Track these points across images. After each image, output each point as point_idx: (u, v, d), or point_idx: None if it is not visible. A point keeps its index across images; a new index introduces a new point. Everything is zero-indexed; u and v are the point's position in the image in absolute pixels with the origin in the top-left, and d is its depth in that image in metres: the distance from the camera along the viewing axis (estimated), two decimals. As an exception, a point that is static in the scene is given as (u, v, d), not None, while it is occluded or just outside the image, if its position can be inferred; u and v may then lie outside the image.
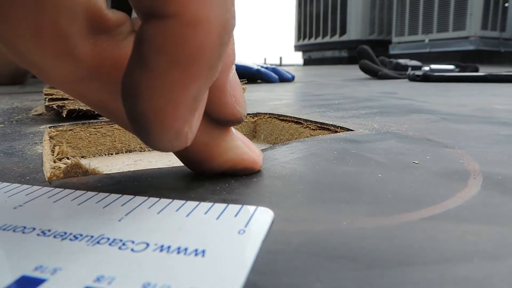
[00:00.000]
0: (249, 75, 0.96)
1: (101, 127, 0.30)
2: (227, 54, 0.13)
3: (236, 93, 0.14)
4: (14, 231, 0.10)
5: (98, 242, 0.09)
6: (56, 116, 0.34)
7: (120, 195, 0.13)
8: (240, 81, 0.15)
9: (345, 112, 0.37)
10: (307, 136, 0.30)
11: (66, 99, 0.32)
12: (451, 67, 1.19)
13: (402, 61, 1.30)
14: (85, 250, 0.09)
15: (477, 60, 2.86)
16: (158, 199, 0.12)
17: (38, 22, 0.09)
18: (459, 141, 0.22)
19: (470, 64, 1.32)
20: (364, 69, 1.17)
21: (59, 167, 0.17)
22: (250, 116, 0.36)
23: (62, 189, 0.13)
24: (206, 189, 0.14)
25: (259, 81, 1.00)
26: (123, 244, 0.09)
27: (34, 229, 0.10)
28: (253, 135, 0.36)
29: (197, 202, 0.12)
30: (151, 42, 0.09)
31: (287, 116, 0.33)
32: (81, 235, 0.10)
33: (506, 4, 3.67)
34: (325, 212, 0.12)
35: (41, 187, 0.13)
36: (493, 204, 0.13)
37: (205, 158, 0.14)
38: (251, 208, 0.12)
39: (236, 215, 0.11)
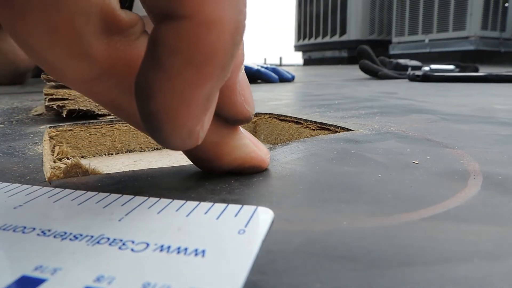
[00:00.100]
0: (249, 75, 0.95)
1: (101, 127, 0.30)
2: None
3: (245, 93, 0.14)
4: (14, 231, 0.10)
5: (98, 242, 0.09)
6: (56, 116, 0.34)
7: (120, 195, 0.13)
8: None
9: (345, 112, 0.37)
10: (307, 136, 0.30)
11: (66, 99, 0.32)
12: (451, 67, 1.19)
13: (402, 61, 1.30)
14: (85, 250, 0.09)
15: (477, 60, 2.86)
16: (158, 199, 0.12)
17: (54, 22, 0.10)
18: (459, 141, 0.22)
19: (470, 64, 1.32)
20: (364, 69, 1.17)
21: (59, 167, 0.17)
22: (250, 116, 0.36)
23: (62, 189, 0.13)
24: (206, 189, 0.14)
25: (259, 81, 1.00)
26: (123, 244, 0.09)
27: (34, 229, 0.10)
28: (253, 135, 0.36)
29: (197, 202, 0.12)
30: (165, 43, 0.09)
31: (287, 116, 0.33)
32: (81, 235, 0.10)
33: (506, 4, 3.67)
34: (325, 212, 0.12)
35: (41, 187, 0.13)
36: (493, 204, 0.13)
37: (214, 157, 0.14)
38: (251, 208, 0.12)
39: (236, 215, 0.11)
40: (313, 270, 0.09)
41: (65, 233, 0.10)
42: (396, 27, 4.21)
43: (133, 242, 0.09)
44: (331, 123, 0.29)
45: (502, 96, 0.54)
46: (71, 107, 0.32)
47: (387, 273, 0.08)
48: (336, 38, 5.32)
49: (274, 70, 1.04)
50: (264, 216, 0.11)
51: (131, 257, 0.09)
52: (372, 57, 1.22)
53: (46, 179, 0.15)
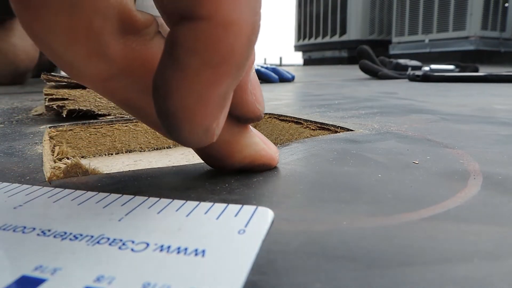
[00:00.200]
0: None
1: (101, 127, 0.30)
2: None
3: (256, 92, 0.14)
4: (14, 231, 0.10)
5: (98, 242, 0.09)
6: (56, 116, 0.34)
7: (120, 195, 0.13)
8: None
9: (345, 112, 0.37)
10: (307, 136, 0.30)
11: (66, 99, 0.32)
12: (451, 67, 1.19)
13: (402, 61, 1.30)
14: (85, 250, 0.09)
15: (477, 60, 2.86)
16: (158, 199, 0.12)
17: (73, 22, 0.10)
18: (459, 141, 0.22)
19: (470, 64, 1.32)
20: (364, 69, 1.16)
21: (59, 167, 0.17)
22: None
23: (62, 189, 0.13)
24: (206, 189, 0.14)
25: (259, 81, 1.00)
26: (123, 244, 0.09)
27: (34, 229, 0.10)
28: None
29: (197, 202, 0.12)
30: (183, 43, 0.10)
31: (287, 116, 0.33)
32: (81, 235, 0.10)
33: (506, 4, 3.67)
34: (325, 212, 0.12)
35: (41, 187, 0.13)
36: (493, 204, 0.13)
37: (225, 155, 0.15)
38: (251, 208, 0.12)
39: (236, 215, 0.11)
40: (313, 270, 0.09)
41: (65, 233, 0.10)
42: (396, 27, 4.21)
43: (133, 242, 0.09)
44: (331, 123, 0.29)
45: (502, 96, 0.54)
46: (71, 107, 0.32)
47: (387, 273, 0.08)
48: (336, 38, 5.32)
49: (274, 70, 1.04)
50: (264, 216, 0.11)
51: (131, 257, 0.09)
52: (372, 57, 1.22)
53: (46, 179, 0.15)
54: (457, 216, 0.12)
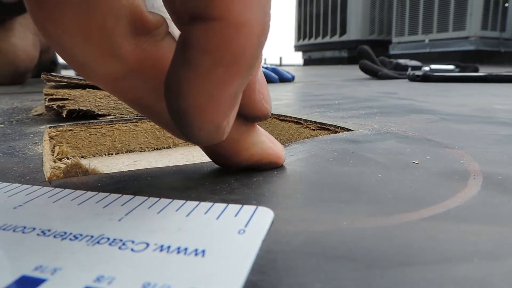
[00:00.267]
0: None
1: (101, 127, 0.30)
2: None
3: (264, 91, 0.15)
4: (14, 231, 0.10)
5: (98, 242, 0.09)
6: (56, 116, 0.34)
7: (120, 195, 0.13)
8: None
9: (345, 112, 0.37)
10: (307, 136, 0.30)
11: (66, 99, 0.32)
12: (451, 67, 1.19)
13: (402, 61, 1.30)
14: (85, 250, 0.09)
15: (477, 60, 2.86)
16: (158, 199, 0.12)
17: (88, 23, 0.10)
18: (459, 141, 0.22)
19: (470, 64, 1.32)
20: (364, 69, 1.16)
21: (59, 167, 0.17)
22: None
23: (62, 189, 0.13)
24: (206, 189, 0.14)
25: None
26: (123, 244, 0.09)
27: (34, 229, 0.10)
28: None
29: (197, 202, 0.12)
30: (196, 43, 0.10)
31: (287, 116, 0.33)
32: (81, 235, 0.10)
33: (506, 4, 3.67)
34: (325, 212, 0.12)
35: (41, 187, 0.13)
36: (493, 204, 0.13)
37: (233, 153, 0.15)
38: (251, 208, 0.12)
39: (236, 215, 0.11)
40: (313, 270, 0.09)
41: (65, 233, 0.10)
42: (396, 27, 4.21)
43: (133, 242, 0.09)
44: (331, 123, 0.29)
45: (502, 96, 0.54)
46: (71, 107, 0.32)
47: (387, 273, 0.08)
48: (336, 38, 5.32)
49: (274, 70, 1.04)
50: (264, 216, 0.11)
51: (131, 257, 0.09)
52: (372, 57, 1.22)
53: (46, 179, 0.15)
54: (457, 216, 0.12)
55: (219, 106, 0.11)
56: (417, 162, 0.17)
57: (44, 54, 1.04)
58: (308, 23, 5.91)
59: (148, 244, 0.09)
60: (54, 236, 0.10)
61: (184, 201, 0.12)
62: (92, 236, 0.10)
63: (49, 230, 0.10)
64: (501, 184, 0.14)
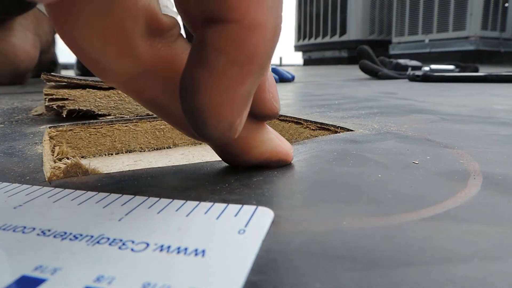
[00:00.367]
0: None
1: (101, 127, 0.30)
2: None
3: (273, 90, 0.15)
4: (14, 231, 0.10)
5: (98, 242, 0.09)
6: (56, 116, 0.34)
7: (120, 195, 0.13)
8: None
9: (345, 112, 0.37)
10: (307, 137, 0.30)
11: (66, 99, 0.32)
12: (451, 67, 1.19)
13: (402, 61, 1.30)
14: (85, 250, 0.09)
15: (477, 60, 2.86)
16: (158, 199, 0.12)
17: (106, 25, 0.11)
18: (459, 141, 0.22)
19: (470, 64, 1.32)
20: (364, 69, 1.16)
21: (59, 167, 0.17)
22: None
23: (62, 189, 0.13)
24: (206, 189, 0.14)
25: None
26: (123, 244, 0.09)
27: (34, 229, 0.10)
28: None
29: (197, 202, 0.12)
30: (212, 44, 0.10)
31: (287, 116, 0.33)
32: (81, 235, 0.10)
33: (506, 4, 3.67)
34: (325, 212, 0.12)
35: (41, 187, 0.13)
36: (493, 204, 0.13)
37: (243, 151, 0.15)
38: (251, 208, 0.12)
39: (236, 215, 0.11)
40: (313, 270, 0.09)
41: (65, 233, 0.10)
42: (396, 27, 4.21)
43: (133, 242, 0.09)
44: (331, 123, 0.29)
45: (502, 96, 0.54)
46: (71, 107, 0.32)
47: (387, 273, 0.08)
48: (336, 38, 5.32)
49: (274, 70, 1.04)
50: (264, 216, 0.11)
51: (131, 257, 0.09)
52: (372, 57, 1.22)
53: (46, 179, 0.15)
54: (457, 216, 0.12)
55: (233, 105, 0.11)
56: (417, 162, 0.17)
57: (44, 54, 1.04)
58: (308, 23, 5.91)
59: (148, 244, 0.09)
60: (54, 236, 0.10)
61: (184, 201, 0.12)
62: (92, 236, 0.10)
63: (49, 230, 0.10)
64: (501, 184, 0.14)
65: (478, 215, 0.12)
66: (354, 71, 1.68)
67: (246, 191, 0.14)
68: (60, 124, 0.29)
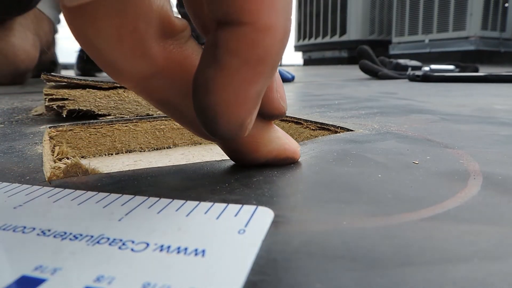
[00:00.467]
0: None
1: (101, 127, 0.30)
2: None
3: (280, 90, 0.15)
4: (14, 231, 0.10)
5: (98, 242, 0.09)
6: (56, 116, 0.34)
7: (120, 194, 0.13)
8: None
9: (345, 112, 0.37)
10: (307, 137, 0.30)
11: (66, 99, 0.32)
12: (451, 67, 1.19)
13: (402, 61, 1.30)
14: (85, 250, 0.09)
15: (477, 60, 2.86)
16: (158, 199, 0.12)
17: (121, 26, 0.11)
18: (459, 141, 0.22)
19: (470, 64, 1.32)
20: (364, 69, 1.16)
21: (59, 167, 0.17)
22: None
23: (62, 189, 0.13)
24: (206, 189, 0.14)
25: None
26: (123, 244, 0.09)
27: (34, 229, 0.10)
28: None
29: (197, 202, 0.12)
30: (225, 45, 0.11)
31: (287, 116, 0.33)
32: (81, 235, 0.10)
33: (506, 4, 3.67)
34: (325, 212, 0.12)
35: (41, 187, 0.13)
36: (493, 204, 0.13)
37: (251, 149, 0.16)
38: (251, 208, 0.12)
39: (236, 215, 0.11)
40: (313, 270, 0.09)
41: (65, 233, 0.10)
42: (396, 27, 4.21)
43: (133, 242, 0.09)
44: (331, 123, 0.29)
45: (502, 96, 0.54)
46: (71, 107, 0.32)
47: (387, 273, 0.08)
48: (336, 38, 5.32)
49: (274, 70, 1.04)
50: (264, 216, 0.11)
51: (131, 257, 0.09)
52: (372, 57, 1.22)
53: (46, 179, 0.15)
54: (457, 216, 0.12)
55: (245, 104, 0.11)
56: (417, 162, 0.17)
57: (44, 54, 1.04)
58: (308, 23, 5.91)
59: (148, 244, 0.09)
60: (54, 236, 0.10)
61: (184, 201, 0.12)
62: (92, 236, 0.10)
63: (49, 230, 0.10)
64: (501, 184, 0.14)
65: (478, 215, 0.12)
66: (354, 71, 1.68)
67: (246, 191, 0.14)
68: (60, 124, 0.29)
